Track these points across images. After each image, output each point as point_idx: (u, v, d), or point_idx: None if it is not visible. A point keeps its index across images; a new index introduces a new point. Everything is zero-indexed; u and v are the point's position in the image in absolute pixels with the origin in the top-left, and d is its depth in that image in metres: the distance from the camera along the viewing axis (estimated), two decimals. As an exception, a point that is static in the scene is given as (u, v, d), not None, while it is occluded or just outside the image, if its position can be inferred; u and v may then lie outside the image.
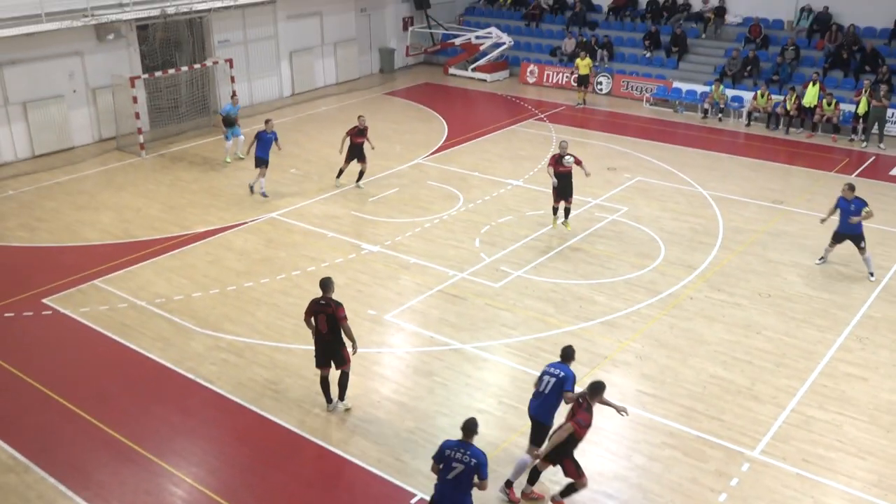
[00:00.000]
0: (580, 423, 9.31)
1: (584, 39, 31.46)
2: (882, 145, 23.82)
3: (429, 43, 35.07)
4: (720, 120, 26.69)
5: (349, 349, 11.22)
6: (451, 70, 33.28)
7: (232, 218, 18.47)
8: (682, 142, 24.31)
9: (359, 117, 19.94)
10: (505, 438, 10.96)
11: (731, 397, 11.89)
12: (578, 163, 16.97)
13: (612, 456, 10.72)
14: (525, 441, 10.40)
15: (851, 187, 15.61)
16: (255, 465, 10.58)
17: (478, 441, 8.66)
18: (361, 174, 20.03)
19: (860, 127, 24.36)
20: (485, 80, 32.04)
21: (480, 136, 24.82)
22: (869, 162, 22.72)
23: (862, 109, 24.09)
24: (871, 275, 15.54)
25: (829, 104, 24.72)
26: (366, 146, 19.76)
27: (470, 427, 8.62)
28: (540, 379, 10.07)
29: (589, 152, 23.05)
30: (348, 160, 19.82)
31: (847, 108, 24.78)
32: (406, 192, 19.92)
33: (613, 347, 13.17)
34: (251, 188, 19.69)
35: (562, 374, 9.86)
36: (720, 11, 30.48)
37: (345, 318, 11.03)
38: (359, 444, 10.91)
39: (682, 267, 15.98)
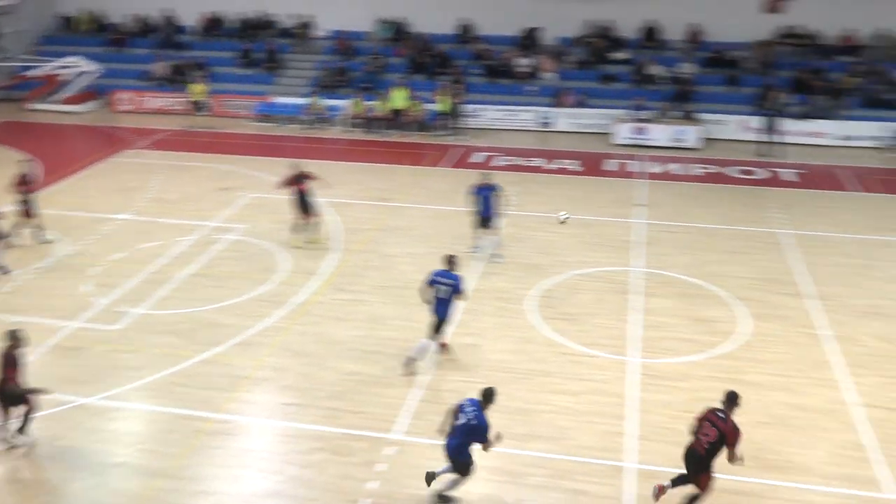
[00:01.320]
0: (737, 437, 9.23)
1: (182, 62, 30.69)
2: (464, 137, 26.71)
3: (2, 77, 31.59)
4: (322, 129, 27.82)
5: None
6: (33, 105, 30.33)
7: None
8: (290, 154, 24.65)
9: (24, 162, 17.14)
10: (149, 485, 10.33)
11: (368, 388, 12.49)
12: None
13: (264, 474, 10.66)
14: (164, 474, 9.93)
15: (485, 175, 17.20)
16: None
17: (118, 495, 8.08)
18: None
19: (444, 123, 27.05)
20: (74, 113, 29.73)
21: (79, 171, 23.00)
22: (456, 153, 25.33)
23: (442, 107, 26.78)
24: (497, 255, 16.99)
25: (415, 105, 27.09)
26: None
27: (487, 394, 9.79)
28: (436, 287, 12.62)
29: (200, 175, 22.66)
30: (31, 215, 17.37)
31: (431, 107, 27.32)
32: (-4, 245, 17.76)
33: (250, 366, 13.10)
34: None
35: (452, 281, 12.57)
36: (307, 27, 31.71)
37: (8, 379, 10.61)
38: (-24, 537, 9.55)
39: (307, 274, 16.39)
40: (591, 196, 21.39)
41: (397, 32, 31.28)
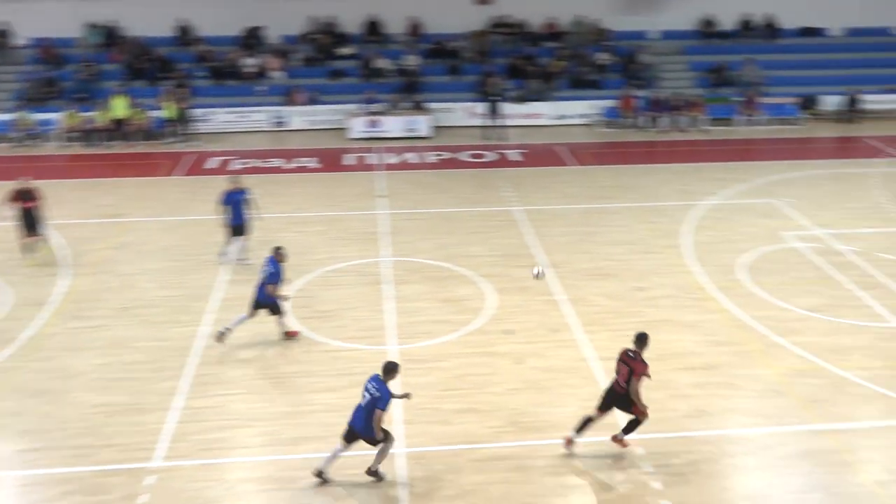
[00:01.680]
0: (642, 370, 10.24)
1: None
2: (196, 142, 25.65)
3: None
4: (35, 146, 25.43)
5: None
6: None
7: None
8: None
9: None
10: None
11: (118, 419, 11.63)
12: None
13: (7, 532, 9.62)
14: None
15: (234, 179, 16.63)
16: None
17: None
18: None
19: (173, 130, 25.80)
20: None
21: None
22: (188, 160, 24.26)
23: (169, 113, 25.53)
24: (243, 260, 16.43)
25: (138, 113, 25.58)
26: None
27: (388, 368, 10.01)
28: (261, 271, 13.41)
29: None
30: None
31: (156, 114, 25.93)
32: None
33: (-23, 416, 11.71)
34: None
35: (272, 269, 13.34)
36: (4, 35, 28.75)
37: None
38: None
39: (34, 305, 14.93)
40: (333, 192, 21.49)
41: (109, 37, 29.27)
